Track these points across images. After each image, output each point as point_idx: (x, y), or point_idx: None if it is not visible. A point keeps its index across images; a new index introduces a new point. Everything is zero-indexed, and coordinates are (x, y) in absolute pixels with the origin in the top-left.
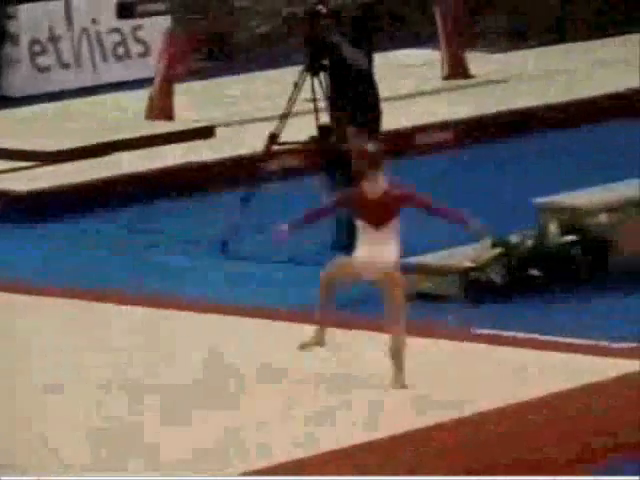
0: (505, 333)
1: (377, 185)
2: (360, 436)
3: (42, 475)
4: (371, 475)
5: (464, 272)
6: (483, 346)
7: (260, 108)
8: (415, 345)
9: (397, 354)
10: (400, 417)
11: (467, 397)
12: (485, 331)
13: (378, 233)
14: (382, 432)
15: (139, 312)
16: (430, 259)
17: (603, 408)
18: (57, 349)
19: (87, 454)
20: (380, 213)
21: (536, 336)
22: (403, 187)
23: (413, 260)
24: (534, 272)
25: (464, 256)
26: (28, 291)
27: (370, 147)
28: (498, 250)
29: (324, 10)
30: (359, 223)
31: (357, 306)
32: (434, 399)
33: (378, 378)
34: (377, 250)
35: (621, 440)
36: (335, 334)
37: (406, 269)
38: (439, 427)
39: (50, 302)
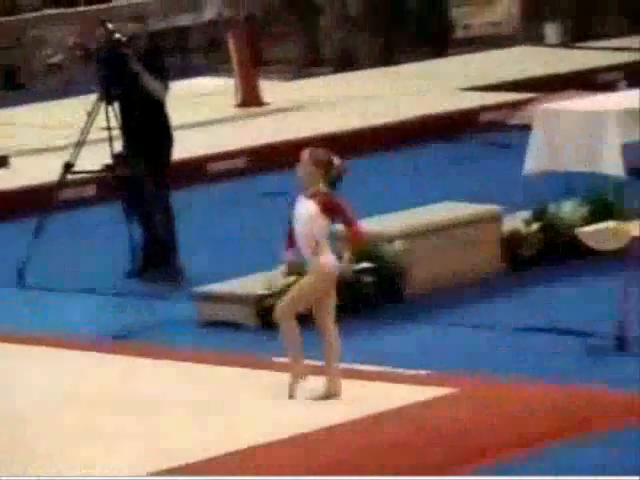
0: None
1: None
2: None
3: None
4: None
5: (258, 300)
6: (280, 374)
7: (55, 137)
8: (209, 374)
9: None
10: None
11: (251, 427)
12: (281, 359)
13: None
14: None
15: None
16: (224, 287)
17: (389, 437)
18: None
19: None
20: None
21: None
22: None
23: (206, 288)
24: None
25: (258, 283)
26: None
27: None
28: (292, 278)
29: (124, 39)
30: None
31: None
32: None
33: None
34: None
35: (411, 468)
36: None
37: (200, 297)
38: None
39: None
